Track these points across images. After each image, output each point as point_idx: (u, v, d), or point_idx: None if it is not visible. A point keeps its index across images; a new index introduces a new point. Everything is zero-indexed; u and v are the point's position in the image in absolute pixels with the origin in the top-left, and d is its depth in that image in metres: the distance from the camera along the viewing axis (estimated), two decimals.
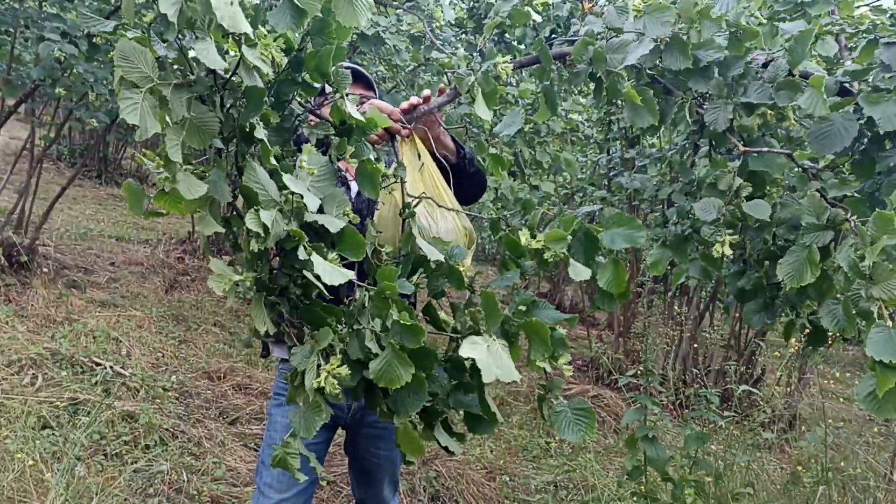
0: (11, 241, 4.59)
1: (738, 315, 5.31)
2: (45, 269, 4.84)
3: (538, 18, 1.78)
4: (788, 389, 5.46)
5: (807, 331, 1.72)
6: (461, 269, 1.48)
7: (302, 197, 1.32)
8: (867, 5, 3.58)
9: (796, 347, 4.70)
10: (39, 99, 5.60)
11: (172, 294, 5.37)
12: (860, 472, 3.91)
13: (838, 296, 1.45)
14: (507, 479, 3.98)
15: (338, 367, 1.31)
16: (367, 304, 1.38)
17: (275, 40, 1.32)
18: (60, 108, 4.94)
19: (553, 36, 4.25)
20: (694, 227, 1.88)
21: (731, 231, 1.65)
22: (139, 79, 1.13)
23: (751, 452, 4.16)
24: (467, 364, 1.43)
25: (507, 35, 1.72)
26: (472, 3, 4.81)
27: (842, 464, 3.95)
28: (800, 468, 4.02)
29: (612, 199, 5.55)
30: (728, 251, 1.63)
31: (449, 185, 2.18)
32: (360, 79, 2.16)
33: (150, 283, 5.55)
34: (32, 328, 4.05)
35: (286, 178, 1.30)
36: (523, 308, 1.40)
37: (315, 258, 1.26)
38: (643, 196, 5.39)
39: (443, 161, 1.88)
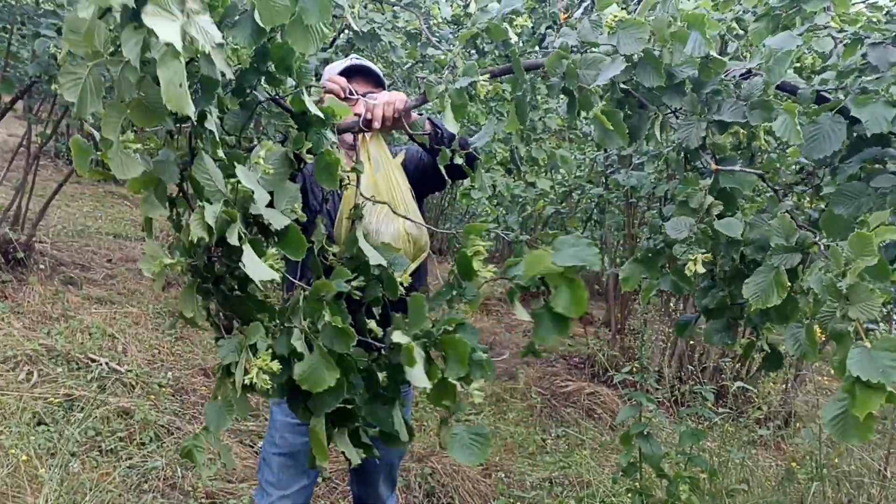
0: (8, 238, 4.62)
1: None
2: (41, 266, 4.88)
3: (514, 38, 1.78)
4: (784, 386, 5.46)
5: (764, 353, 1.73)
6: (398, 278, 1.51)
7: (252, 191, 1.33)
8: (863, 2, 3.56)
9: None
10: (36, 96, 5.62)
11: (169, 291, 5.41)
12: (854, 468, 3.93)
13: (804, 319, 1.46)
14: (503, 475, 4.02)
15: (268, 363, 1.32)
16: (300, 303, 1.39)
17: (241, 49, 1.34)
18: (57, 105, 4.96)
19: (547, 30, 4.25)
20: (666, 241, 1.89)
21: (703, 250, 1.66)
22: (87, 53, 1.11)
23: (746, 449, 4.18)
24: (381, 377, 1.46)
25: (477, 41, 1.71)
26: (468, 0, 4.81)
27: (836, 460, 3.96)
28: (794, 465, 4.04)
29: (609, 197, 5.56)
30: (700, 269, 1.64)
31: (417, 182, 2.19)
32: (367, 75, 2.16)
33: (146, 280, 5.59)
34: (28, 325, 4.10)
35: (238, 171, 1.30)
36: (450, 328, 1.42)
37: (245, 249, 1.25)
38: (640, 193, 5.41)
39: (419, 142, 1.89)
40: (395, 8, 4.25)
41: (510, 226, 6.03)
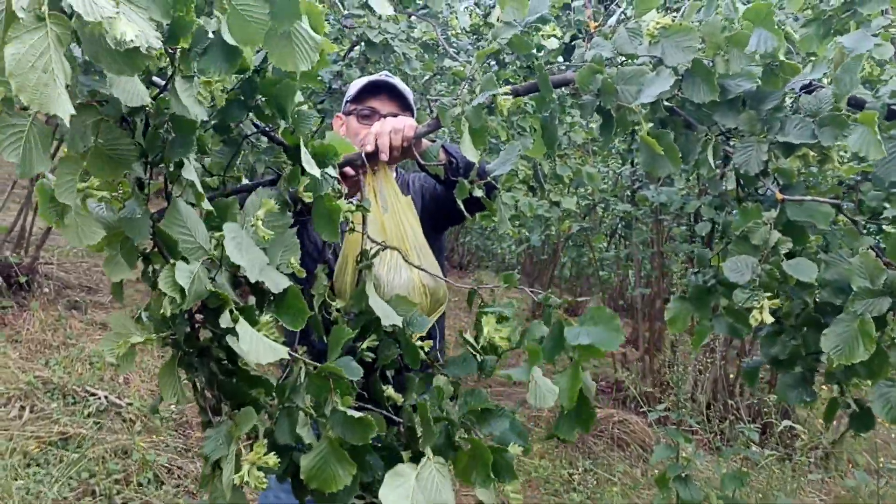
0: (9, 262, 4.44)
1: None
2: (45, 290, 4.69)
3: (554, 45, 1.53)
4: (835, 423, 5.13)
5: (851, 410, 1.46)
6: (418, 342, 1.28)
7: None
8: None
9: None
10: None
11: None
12: None
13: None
14: None
15: (263, 455, 1.08)
16: (301, 379, 1.15)
17: (217, 82, 1.11)
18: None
19: (573, 42, 4.00)
20: (717, 276, 1.63)
21: (769, 294, 1.40)
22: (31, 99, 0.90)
23: (793, 493, 3.87)
24: (406, 457, 1.21)
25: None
26: (488, 9, 4.58)
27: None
28: None
29: (637, 213, 5.28)
30: (768, 318, 1.38)
31: (429, 222, 1.95)
32: (393, 93, 1.93)
33: None
34: (26, 354, 3.91)
35: (227, 232, 1.08)
36: (477, 411, 1.18)
37: (241, 330, 1.02)
38: (670, 210, 5.13)
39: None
40: (411, 18, 4.02)
41: (532, 243, 5.77)
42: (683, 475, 2.66)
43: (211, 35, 1.05)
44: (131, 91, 0.89)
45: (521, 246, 6.40)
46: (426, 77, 4.65)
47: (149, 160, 1.09)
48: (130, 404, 3.69)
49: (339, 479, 1.09)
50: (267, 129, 1.29)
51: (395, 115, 1.85)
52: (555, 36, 1.45)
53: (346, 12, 3.38)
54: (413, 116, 1.95)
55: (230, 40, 1.01)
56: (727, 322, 1.66)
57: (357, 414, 1.07)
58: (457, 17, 4.52)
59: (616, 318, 1.27)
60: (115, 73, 0.85)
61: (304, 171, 1.25)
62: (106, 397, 3.61)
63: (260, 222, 1.14)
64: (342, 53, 4.12)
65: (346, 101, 1.98)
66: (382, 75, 1.96)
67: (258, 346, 1.02)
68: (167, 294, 1.00)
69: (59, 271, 5.18)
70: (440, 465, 1.13)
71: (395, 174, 2.05)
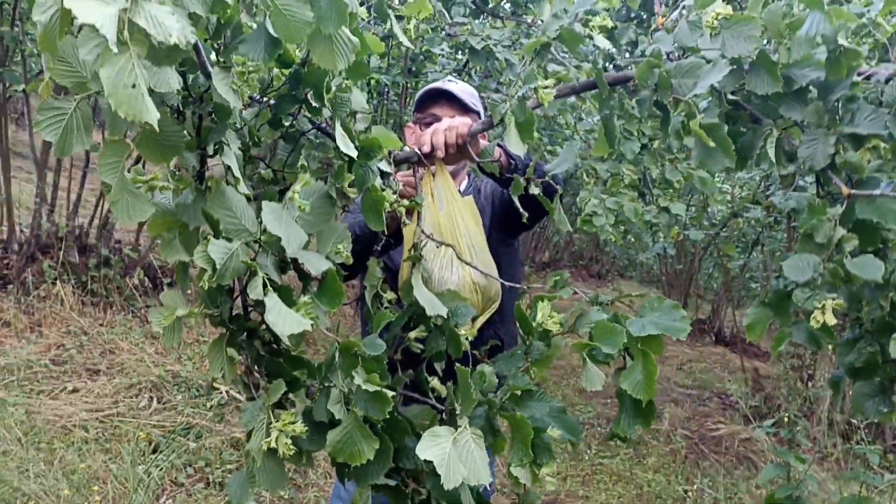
0: (154, 264, 4.83)
1: None
2: (188, 291, 5.04)
3: (607, 45, 1.50)
4: None
5: None
6: (462, 332, 1.28)
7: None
8: None
9: None
10: None
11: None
12: None
13: None
14: None
15: (290, 423, 1.13)
16: (336, 359, 1.19)
17: (251, 73, 1.17)
18: None
19: (639, 37, 3.88)
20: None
21: (834, 295, 1.31)
22: (76, 84, 0.97)
23: None
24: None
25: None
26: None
27: None
28: None
29: (768, 221, 5.00)
30: (832, 320, 1.29)
31: (499, 228, 1.95)
32: (450, 99, 1.96)
33: None
34: (161, 350, 4.22)
35: (265, 210, 1.13)
36: (517, 393, 1.16)
37: (269, 301, 1.07)
38: (803, 216, 4.79)
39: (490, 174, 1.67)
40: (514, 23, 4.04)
41: (656, 251, 5.59)
42: (795, 496, 2.51)
43: (254, 26, 1.13)
44: (161, 78, 0.95)
45: (646, 253, 6.20)
46: None
47: (204, 150, 1.18)
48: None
49: (362, 453, 1.12)
50: (321, 125, 1.35)
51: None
52: (605, 27, 1.41)
53: (450, 20, 3.44)
54: (479, 117, 1.97)
55: (272, 31, 1.07)
56: (807, 329, 1.56)
57: (373, 388, 1.10)
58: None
59: (678, 306, 1.24)
60: (156, 65, 0.93)
61: (350, 167, 1.31)
62: (227, 392, 3.84)
63: (297, 195, 1.18)
64: (455, 62, 4.19)
65: (413, 112, 2.03)
66: (442, 82, 1.99)
67: (285, 318, 1.06)
68: (200, 266, 1.06)
69: (195, 267, 5.55)
70: (476, 437, 1.13)
71: (467, 180, 2.07)
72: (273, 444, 1.14)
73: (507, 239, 1.98)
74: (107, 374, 3.84)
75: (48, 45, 0.90)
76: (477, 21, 3.52)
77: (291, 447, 1.13)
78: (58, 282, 4.47)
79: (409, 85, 5.09)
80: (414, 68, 4.67)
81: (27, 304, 4.35)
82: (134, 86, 0.83)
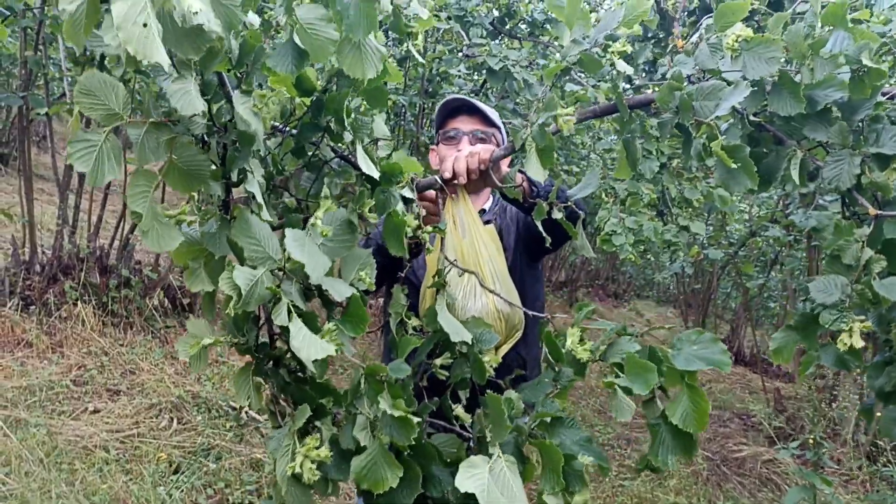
0: (174, 285, 4.86)
1: None
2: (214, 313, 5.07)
3: (628, 69, 1.50)
4: None
5: None
6: (486, 358, 1.27)
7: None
8: None
9: None
10: None
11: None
12: None
13: None
14: None
15: (315, 447, 1.13)
16: (362, 385, 1.19)
17: (272, 93, 1.18)
18: None
19: (659, 61, 3.87)
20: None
21: (862, 317, 1.29)
22: (104, 116, 0.99)
23: None
24: None
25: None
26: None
27: None
28: None
29: (787, 239, 4.97)
30: (859, 342, 1.28)
31: (523, 250, 1.94)
32: (472, 112, 1.96)
33: None
34: (181, 370, 4.24)
35: (288, 237, 1.13)
36: (546, 421, 1.15)
37: (293, 326, 1.07)
38: (823, 235, 4.76)
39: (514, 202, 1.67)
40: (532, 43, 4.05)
41: (674, 269, 5.57)
42: None
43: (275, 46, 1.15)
44: (186, 101, 0.97)
45: (663, 273, 6.17)
46: None
47: (228, 179, 1.19)
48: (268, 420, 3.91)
49: (386, 480, 1.12)
50: (343, 153, 1.36)
51: (477, 131, 1.88)
52: (624, 52, 1.41)
53: (468, 41, 3.47)
54: (501, 132, 1.97)
55: (300, 44, 1.09)
56: (835, 352, 1.54)
57: (399, 413, 1.10)
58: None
59: (717, 339, 1.23)
60: (181, 53, 0.93)
61: (372, 192, 1.31)
62: (247, 412, 3.85)
63: (319, 220, 1.19)
64: (472, 81, 4.21)
65: (435, 132, 2.04)
66: (458, 97, 2.00)
67: (310, 343, 1.06)
68: (226, 293, 1.07)
69: (221, 294, 5.58)
70: (510, 464, 1.12)
71: (491, 199, 2.07)
72: (298, 469, 1.15)
73: (530, 261, 1.98)
74: (127, 395, 3.87)
75: (74, 37, 0.91)
76: (494, 42, 3.54)
77: (316, 472, 1.13)
78: (79, 302, 4.51)
79: (426, 106, 5.12)
80: (431, 89, 4.69)
81: (49, 324, 4.39)
82: (145, 25, 0.81)
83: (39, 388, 3.78)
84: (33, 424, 3.42)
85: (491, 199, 2.07)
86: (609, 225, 3.33)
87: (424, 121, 5.31)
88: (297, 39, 1.10)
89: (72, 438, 3.36)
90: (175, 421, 3.66)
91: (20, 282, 4.57)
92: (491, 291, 1.50)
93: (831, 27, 1.27)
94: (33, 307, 4.52)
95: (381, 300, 4.36)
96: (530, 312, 1.49)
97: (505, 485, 1.06)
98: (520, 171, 1.65)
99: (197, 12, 0.84)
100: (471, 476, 1.05)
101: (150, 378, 4.03)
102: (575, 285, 11.21)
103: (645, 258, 9.58)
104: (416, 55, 1.68)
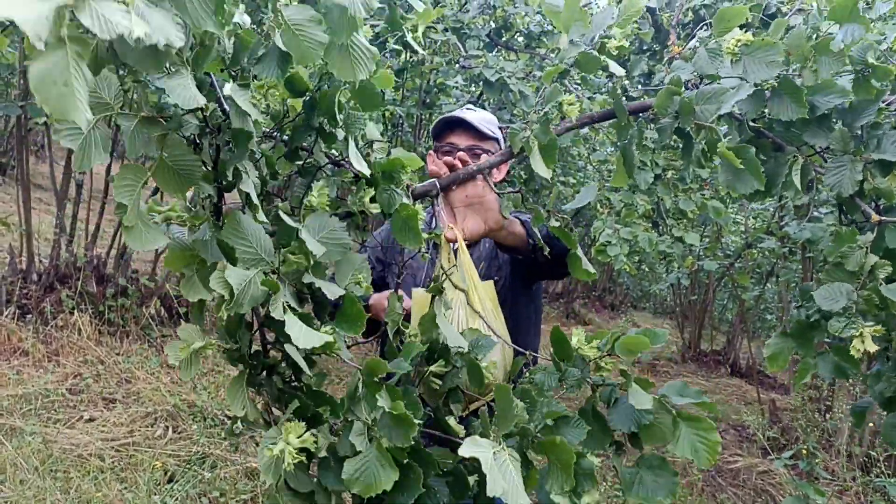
0: (171, 294, 4.84)
1: None
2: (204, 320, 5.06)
3: (620, 71, 1.51)
4: None
5: None
6: (484, 365, 1.27)
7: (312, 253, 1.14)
8: None
9: None
10: None
11: None
12: None
13: None
14: None
15: (299, 435, 1.09)
16: (360, 390, 1.17)
17: (269, 88, 1.17)
18: None
19: (655, 67, 3.89)
20: (822, 312, 1.51)
21: (871, 322, 1.29)
22: (94, 105, 0.97)
23: None
24: (472, 481, 1.20)
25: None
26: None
27: None
28: None
29: (782, 251, 4.97)
30: (871, 347, 1.27)
31: (518, 276, 1.96)
32: (467, 128, 1.96)
33: None
34: (176, 379, 4.22)
35: (304, 231, 1.12)
36: (549, 423, 1.14)
37: (288, 317, 1.05)
38: (818, 247, 4.78)
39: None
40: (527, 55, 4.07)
41: (670, 281, 5.57)
42: None
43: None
44: (186, 95, 0.94)
45: (660, 284, 6.18)
46: None
47: (220, 183, 1.17)
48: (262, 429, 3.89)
49: (379, 482, 1.08)
50: (337, 157, 1.35)
51: (472, 147, 1.89)
52: (622, 47, 1.42)
53: (465, 53, 3.48)
54: (499, 144, 1.98)
55: (283, 48, 1.07)
56: (833, 361, 1.53)
57: (398, 411, 1.08)
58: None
59: (700, 391, 1.23)
60: (143, 69, 0.90)
61: (369, 184, 1.30)
62: (242, 423, 3.82)
63: (314, 198, 1.18)
64: (469, 94, 4.22)
65: (433, 142, 2.06)
66: (460, 111, 2.00)
67: (304, 333, 1.04)
68: (217, 293, 1.04)
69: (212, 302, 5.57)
70: (513, 459, 1.09)
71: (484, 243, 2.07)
72: (277, 454, 1.09)
73: (525, 288, 2.01)
74: (123, 403, 3.84)
75: None
76: (491, 54, 3.55)
77: (297, 456, 1.09)
78: (75, 311, 4.49)
79: (423, 117, 5.13)
80: (428, 100, 4.71)
81: (45, 333, 4.37)
82: (66, 85, 0.75)
83: (35, 396, 3.76)
84: (29, 433, 3.39)
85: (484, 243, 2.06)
86: (604, 236, 3.33)
87: (422, 132, 5.32)
88: (280, 43, 1.07)
89: (67, 447, 3.33)
90: (170, 430, 3.64)
91: (17, 290, 4.56)
92: (495, 334, 1.50)
93: (838, 24, 1.27)
94: (30, 316, 4.50)
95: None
96: (518, 350, 1.50)
97: (506, 471, 1.04)
98: (517, 217, 1.66)
99: (140, 38, 0.80)
100: (476, 448, 1.03)
101: (145, 387, 4.01)
102: (572, 296, 11.21)
103: (641, 269, 9.58)
104: (416, 46, 1.66)
